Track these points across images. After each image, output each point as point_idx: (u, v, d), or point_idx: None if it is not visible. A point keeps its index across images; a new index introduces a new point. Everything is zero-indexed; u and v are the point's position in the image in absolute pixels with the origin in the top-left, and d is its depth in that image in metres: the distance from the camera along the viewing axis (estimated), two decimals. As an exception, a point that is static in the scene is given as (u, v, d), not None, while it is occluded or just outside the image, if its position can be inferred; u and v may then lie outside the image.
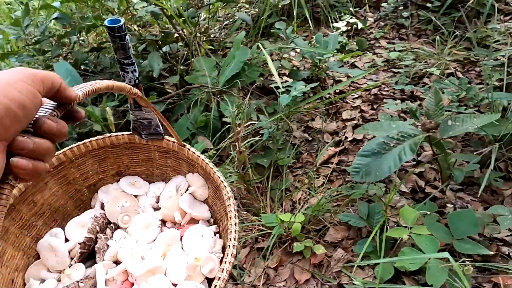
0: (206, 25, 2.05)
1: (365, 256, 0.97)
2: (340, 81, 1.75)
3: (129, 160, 0.84)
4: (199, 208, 0.80)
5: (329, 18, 2.23)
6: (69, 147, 0.75)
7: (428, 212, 1.00)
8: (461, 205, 1.11)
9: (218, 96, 1.48)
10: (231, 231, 0.62)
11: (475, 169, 1.11)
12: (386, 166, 0.93)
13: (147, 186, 0.85)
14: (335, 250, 1.04)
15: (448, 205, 1.11)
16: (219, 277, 0.57)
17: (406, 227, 0.93)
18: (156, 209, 0.83)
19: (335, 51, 1.74)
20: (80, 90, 0.40)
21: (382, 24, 2.26)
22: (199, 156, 0.74)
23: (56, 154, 0.74)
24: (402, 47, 1.97)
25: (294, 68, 1.76)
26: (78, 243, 0.72)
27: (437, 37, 1.85)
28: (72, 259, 0.73)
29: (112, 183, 0.85)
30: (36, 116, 0.36)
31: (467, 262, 0.82)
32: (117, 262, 0.72)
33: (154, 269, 0.65)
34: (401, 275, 0.93)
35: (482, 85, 1.56)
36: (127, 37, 0.57)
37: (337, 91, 1.71)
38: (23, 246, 0.72)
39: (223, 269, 0.57)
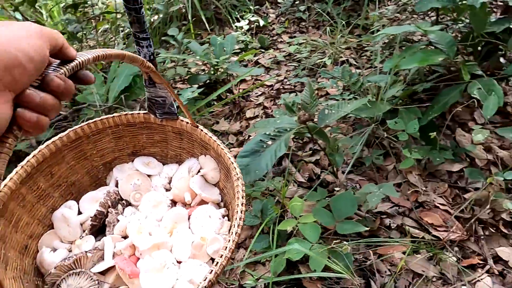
0: (99, 38, 2.04)
1: (264, 251, 0.94)
2: (245, 80, 1.73)
3: (145, 140, 0.86)
4: (209, 190, 0.80)
5: (231, 18, 2.20)
6: (86, 122, 0.77)
7: (318, 199, 1.01)
8: (352, 186, 1.12)
9: (110, 113, 1.39)
10: (237, 211, 0.61)
11: (363, 150, 1.16)
12: (264, 164, 0.95)
13: (160, 167, 0.86)
14: (238, 251, 1.01)
15: (338, 188, 1.11)
16: (221, 255, 0.56)
17: (296, 217, 0.92)
18: (168, 189, 0.83)
19: (239, 50, 1.80)
20: (90, 54, 0.41)
21: (283, 19, 2.26)
22: (211, 137, 0.74)
23: (73, 128, 0.76)
24: (303, 40, 1.96)
25: (191, 73, 1.71)
26: (90, 216, 0.74)
27: (329, 28, 1.92)
28: (83, 231, 0.75)
29: (127, 162, 0.87)
30: (45, 73, 0.36)
31: (344, 242, 0.84)
32: (125, 237, 0.73)
33: (160, 244, 0.65)
34: (297, 265, 0.92)
35: (372, 69, 1.58)
36: (143, 10, 0.57)
37: (240, 90, 1.68)
38: (39, 215, 0.74)
39: (226, 247, 0.57)
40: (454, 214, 1.01)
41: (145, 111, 0.79)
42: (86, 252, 0.67)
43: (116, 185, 0.84)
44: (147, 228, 0.69)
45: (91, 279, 0.64)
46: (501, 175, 0.96)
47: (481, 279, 0.87)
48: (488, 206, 0.94)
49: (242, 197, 0.63)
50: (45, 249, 0.70)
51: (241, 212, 0.61)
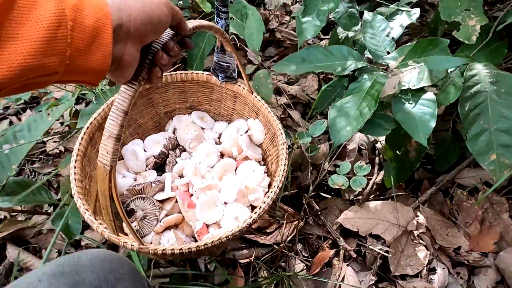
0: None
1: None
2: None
3: (202, 97, 0.98)
4: (254, 149, 0.93)
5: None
6: (158, 76, 0.90)
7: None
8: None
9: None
10: (280, 170, 0.74)
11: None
12: None
13: (212, 123, 0.99)
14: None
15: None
16: (264, 201, 0.70)
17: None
18: (218, 143, 0.97)
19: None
20: (191, 24, 0.52)
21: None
22: (263, 104, 0.86)
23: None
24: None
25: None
26: (153, 155, 0.89)
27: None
28: (147, 166, 0.91)
29: (184, 114, 1.00)
30: (165, 37, 0.47)
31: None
32: (181, 176, 0.88)
33: (211, 186, 0.80)
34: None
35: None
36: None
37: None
38: (113, 148, 0.90)
39: (269, 196, 0.70)
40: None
41: (208, 73, 0.91)
42: (151, 182, 0.83)
43: (174, 132, 0.98)
44: (201, 171, 0.84)
45: (153, 204, 0.81)
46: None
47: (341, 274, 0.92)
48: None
49: (285, 159, 0.75)
50: (117, 175, 0.87)
51: (283, 171, 0.74)
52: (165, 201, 0.84)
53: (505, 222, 1.06)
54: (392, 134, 1.01)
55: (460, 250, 1.01)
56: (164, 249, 0.62)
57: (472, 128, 0.84)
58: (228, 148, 0.90)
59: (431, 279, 0.96)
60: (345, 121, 0.81)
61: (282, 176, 0.73)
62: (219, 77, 0.88)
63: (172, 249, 0.62)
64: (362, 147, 1.15)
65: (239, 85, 0.89)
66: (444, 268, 0.99)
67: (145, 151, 0.93)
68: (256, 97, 0.86)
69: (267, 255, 0.95)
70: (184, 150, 0.95)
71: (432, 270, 0.98)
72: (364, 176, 0.83)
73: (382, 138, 1.20)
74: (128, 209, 0.78)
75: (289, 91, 1.30)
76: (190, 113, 0.99)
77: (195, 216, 0.76)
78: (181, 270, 0.88)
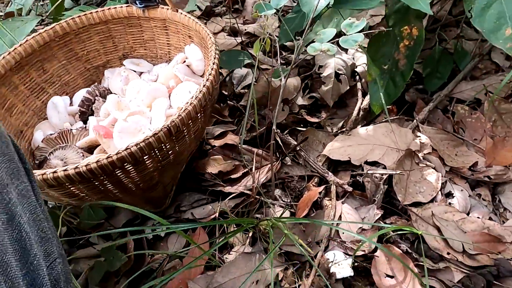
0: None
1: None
2: None
3: (133, 41, 0.86)
4: (195, 79, 0.78)
5: None
6: (70, 17, 0.78)
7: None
8: None
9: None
10: (209, 67, 0.59)
11: None
12: None
13: (150, 66, 0.86)
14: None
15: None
16: (188, 103, 0.54)
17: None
18: (157, 86, 0.83)
19: None
20: None
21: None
22: (190, 18, 0.72)
23: (58, 22, 0.77)
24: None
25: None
26: (78, 104, 0.75)
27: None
28: (76, 122, 0.77)
29: (119, 67, 0.88)
30: None
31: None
32: (112, 122, 0.73)
33: (134, 113, 0.65)
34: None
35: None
36: None
37: None
38: (34, 107, 0.77)
39: (194, 97, 0.55)
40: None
41: (127, 4, 0.79)
42: (70, 129, 0.68)
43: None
44: (127, 104, 0.69)
45: (77, 152, 0.66)
46: None
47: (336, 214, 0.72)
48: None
49: (214, 58, 0.60)
50: (38, 133, 0.73)
51: (211, 69, 0.59)
52: (94, 149, 0.69)
53: None
54: (376, 39, 0.86)
55: (476, 167, 0.81)
56: (55, 171, 0.46)
57: (477, 1, 0.69)
58: (166, 82, 0.76)
59: (450, 203, 0.76)
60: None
61: (211, 74, 0.57)
62: (137, 2, 0.75)
63: (65, 170, 0.47)
64: (340, 72, 0.98)
65: (162, 8, 0.76)
66: (462, 190, 0.79)
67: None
68: (181, 13, 0.73)
69: (237, 209, 0.77)
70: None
71: (448, 196, 0.78)
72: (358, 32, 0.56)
73: (362, 61, 1.04)
74: (41, 159, 0.63)
75: (245, 30, 1.17)
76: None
77: (115, 146, 0.60)
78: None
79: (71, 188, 0.51)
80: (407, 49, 0.84)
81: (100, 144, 0.67)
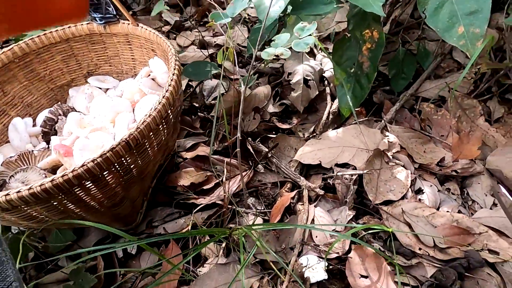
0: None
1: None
2: None
3: (97, 58, 0.85)
4: (159, 92, 0.78)
5: None
6: (30, 37, 0.77)
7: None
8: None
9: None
10: (170, 76, 0.59)
11: None
12: None
13: (116, 82, 0.85)
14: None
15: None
16: (148, 115, 0.54)
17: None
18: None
19: None
20: None
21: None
22: (151, 32, 0.72)
23: (17, 43, 0.76)
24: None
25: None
26: (40, 125, 0.74)
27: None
28: (38, 140, 0.75)
29: (84, 84, 0.87)
30: None
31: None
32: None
33: (96, 129, 0.64)
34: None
35: None
36: None
37: None
38: (-6, 131, 0.75)
39: (155, 108, 0.54)
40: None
41: (87, 22, 0.78)
42: (32, 151, 0.67)
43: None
44: (90, 121, 0.68)
45: (39, 173, 0.64)
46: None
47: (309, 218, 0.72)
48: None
49: (175, 63, 0.60)
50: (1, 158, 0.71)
51: (171, 80, 0.59)
52: (58, 169, 0.67)
53: (481, 128, 0.90)
54: (340, 43, 0.88)
55: (444, 162, 0.83)
56: (7, 194, 0.45)
57: (430, 2, 0.71)
58: (131, 98, 0.75)
59: (420, 199, 0.77)
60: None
61: (171, 85, 0.57)
62: (97, 19, 0.75)
63: (19, 191, 0.45)
64: (308, 78, 1.00)
65: (123, 23, 0.76)
66: (431, 186, 0.80)
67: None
68: (142, 27, 0.73)
69: (210, 220, 0.76)
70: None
71: (418, 192, 0.79)
72: (310, 35, 0.56)
73: (329, 66, 1.06)
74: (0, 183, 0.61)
75: (215, 42, 1.18)
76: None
77: (76, 164, 0.59)
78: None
79: (28, 210, 0.50)
80: (370, 52, 0.86)
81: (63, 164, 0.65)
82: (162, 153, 0.67)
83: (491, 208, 0.75)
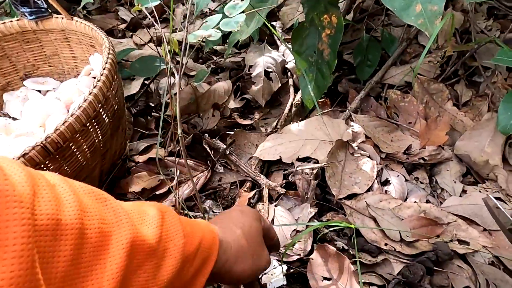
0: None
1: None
2: None
3: (34, 58, 0.78)
4: (102, 91, 0.71)
5: None
6: (-47, 37, 0.70)
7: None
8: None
9: None
10: (99, 76, 0.53)
11: None
12: None
13: (57, 84, 0.78)
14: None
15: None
16: (80, 106, 0.47)
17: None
18: (65, 104, 0.75)
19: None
20: None
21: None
22: (86, 24, 0.66)
23: None
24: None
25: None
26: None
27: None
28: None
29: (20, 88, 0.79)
30: None
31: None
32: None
33: (25, 134, 0.58)
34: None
35: None
36: None
37: None
38: None
39: (86, 99, 0.48)
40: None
41: (17, 18, 0.71)
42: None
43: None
44: (18, 127, 0.61)
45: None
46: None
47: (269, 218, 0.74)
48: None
49: (105, 68, 0.54)
50: None
51: (100, 75, 0.52)
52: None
53: (449, 112, 0.86)
54: (298, 32, 0.83)
55: (411, 150, 0.79)
56: None
57: None
58: (71, 98, 0.69)
59: (386, 191, 0.73)
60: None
61: (100, 80, 0.51)
62: (26, 14, 0.68)
63: None
64: (270, 70, 0.95)
65: (57, 17, 0.69)
66: (398, 176, 0.76)
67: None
68: (77, 21, 0.67)
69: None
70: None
71: (385, 183, 0.75)
72: (242, 13, 0.50)
73: (292, 57, 1.01)
74: None
75: (174, 38, 1.12)
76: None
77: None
78: None
79: None
80: (329, 38, 0.82)
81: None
82: (101, 157, 0.60)
83: (460, 196, 0.71)
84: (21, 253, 0.19)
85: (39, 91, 0.76)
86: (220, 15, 0.48)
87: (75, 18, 0.67)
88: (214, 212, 0.72)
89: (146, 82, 1.02)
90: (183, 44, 0.64)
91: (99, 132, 0.55)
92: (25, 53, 0.76)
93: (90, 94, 0.50)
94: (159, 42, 1.12)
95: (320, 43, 0.83)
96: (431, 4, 0.64)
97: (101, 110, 0.53)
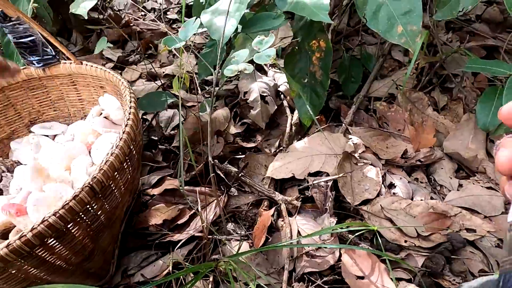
0: None
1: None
2: None
3: (39, 104, 0.78)
4: (115, 129, 0.73)
5: None
6: (-42, 90, 0.69)
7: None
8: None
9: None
10: (126, 111, 0.55)
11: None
12: None
13: (64, 127, 0.79)
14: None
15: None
16: (104, 161, 0.49)
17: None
18: (77, 146, 0.76)
19: None
20: None
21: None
22: (97, 68, 0.68)
23: None
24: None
25: None
26: (-18, 186, 0.65)
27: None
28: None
29: (28, 135, 0.79)
30: None
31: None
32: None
33: (54, 179, 0.58)
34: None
35: None
36: None
37: None
38: None
39: (112, 153, 0.50)
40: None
41: (24, 67, 0.72)
42: (-24, 216, 0.58)
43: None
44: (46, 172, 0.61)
45: (-14, 242, 0.55)
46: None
47: (293, 232, 0.83)
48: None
49: (130, 95, 0.57)
50: None
51: (129, 114, 0.55)
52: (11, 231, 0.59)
53: (431, 117, 0.96)
54: (290, 57, 0.89)
55: (407, 154, 0.87)
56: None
57: (367, 7, 0.75)
58: (85, 139, 0.70)
59: (393, 193, 0.79)
60: (223, 19, 0.64)
61: (129, 119, 0.53)
62: (34, 63, 0.70)
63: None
64: (265, 94, 1.00)
65: (65, 63, 0.71)
66: (401, 178, 0.83)
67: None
68: (87, 64, 0.69)
69: (191, 255, 0.71)
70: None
71: (391, 186, 0.81)
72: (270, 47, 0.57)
73: (283, 80, 1.08)
74: None
75: (164, 72, 1.15)
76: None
77: (33, 222, 0.52)
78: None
79: (-19, 286, 0.42)
80: (320, 61, 0.89)
81: (15, 226, 0.57)
82: (129, 193, 0.61)
83: (458, 190, 0.79)
84: None
85: (47, 136, 0.75)
86: (247, 50, 0.53)
87: (84, 62, 0.69)
88: (237, 233, 0.74)
89: (144, 117, 1.04)
90: (194, 79, 0.68)
91: (130, 168, 0.57)
92: (30, 100, 0.76)
93: (123, 132, 0.52)
94: (152, 77, 1.15)
95: (312, 66, 0.90)
96: (410, 24, 0.73)
97: (132, 148, 0.55)
